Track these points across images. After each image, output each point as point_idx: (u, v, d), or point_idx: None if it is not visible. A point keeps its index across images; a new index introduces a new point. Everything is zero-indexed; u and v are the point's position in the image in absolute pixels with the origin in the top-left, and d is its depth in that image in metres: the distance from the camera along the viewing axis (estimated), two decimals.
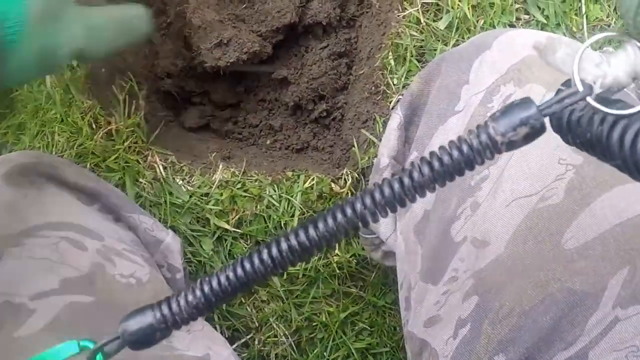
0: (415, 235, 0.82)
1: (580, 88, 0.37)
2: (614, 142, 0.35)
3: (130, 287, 0.85)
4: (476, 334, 0.72)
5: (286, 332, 1.20)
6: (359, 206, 0.40)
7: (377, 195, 0.39)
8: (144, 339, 0.44)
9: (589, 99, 0.37)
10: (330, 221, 0.40)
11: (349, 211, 0.40)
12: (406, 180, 0.39)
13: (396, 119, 0.93)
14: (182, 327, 0.44)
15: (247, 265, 0.42)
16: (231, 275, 0.42)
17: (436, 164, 0.38)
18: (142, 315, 0.44)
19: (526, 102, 0.37)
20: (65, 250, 0.81)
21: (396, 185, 0.39)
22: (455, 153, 0.38)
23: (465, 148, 0.38)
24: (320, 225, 0.41)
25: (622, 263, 0.66)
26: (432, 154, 0.39)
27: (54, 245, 0.80)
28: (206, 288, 0.43)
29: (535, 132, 0.37)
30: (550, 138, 0.72)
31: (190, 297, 0.43)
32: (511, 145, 0.37)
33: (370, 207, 0.39)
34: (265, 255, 0.42)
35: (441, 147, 0.39)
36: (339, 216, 0.40)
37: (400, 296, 0.88)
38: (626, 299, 0.65)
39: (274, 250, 0.42)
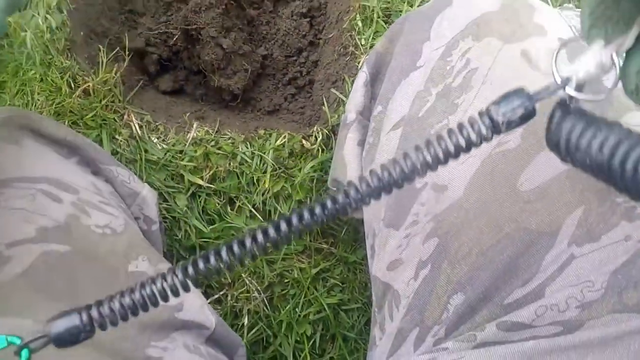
0: None
1: (559, 80, 0.42)
2: (615, 169, 0.39)
3: (105, 237, 0.86)
4: (436, 275, 0.75)
5: (259, 288, 1.21)
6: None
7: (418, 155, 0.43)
8: (69, 339, 0.45)
9: (568, 88, 0.42)
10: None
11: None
12: (421, 156, 0.43)
13: (362, 77, 0.96)
14: (107, 328, 0.46)
15: (178, 276, 0.45)
16: (159, 284, 0.45)
17: (449, 144, 0.42)
18: (68, 317, 0.45)
19: (520, 90, 0.42)
20: (41, 202, 0.82)
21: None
22: (465, 134, 0.42)
23: (472, 130, 0.42)
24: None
25: (577, 203, 0.68)
26: (443, 135, 0.43)
27: (31, 196, 0.81)
28: (127, 299, 0.45)
29: (529, 113, 0.42)
30: (505, 84, 0.75)
31: (112, 304, 0.45)
32: (510, 125, 0.42)
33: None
34: (190, 269, 0.44)
35: (449, 130, 0.43)
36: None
37: (366, 245, 0.90)
38: (581, 237, 0.67)
39: (201, 264, 0.44)
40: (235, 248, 0.44)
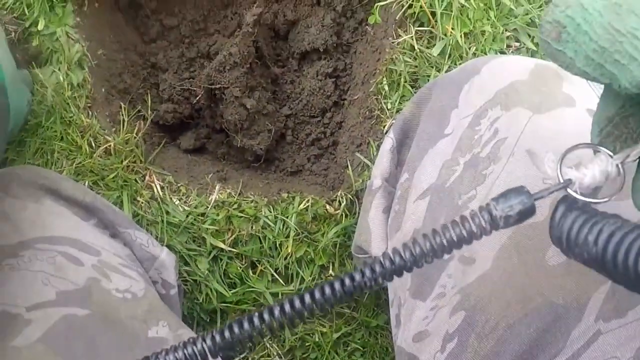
0: None
1: (561, 180, 0.44)
2: (608, 261, 0.40)
3: (126, 302, 0.85)
4: (463, 348, 0.74)
5: (280, 352, 1.20)
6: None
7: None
8: None
9: (569, 190, 0.44)
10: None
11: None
12: (428, 243, 0.45)
13: (389, 142, 0.95)
14: None
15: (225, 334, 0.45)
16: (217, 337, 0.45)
17: (447, 235, 0.44)
18: None
19: (520, 188, 0.44)
20: (62, 265, 0.82)
21: (407, 253, 0.45)
22: (459, 229, 0.44)
23: (468, 225, 0.44)
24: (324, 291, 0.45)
25: (604, 279, 0.67)
26: (443, 226, 0.45)
27: (51, 259, 0.81)
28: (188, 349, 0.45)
29: (527, 210, 0.44)
30: (534, 155, 0.74)
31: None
32: (507, 220, 0.44)
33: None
34: (226, 332, 0.45)
35: (453, 221, 0.45)
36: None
37: (391, 313, 0.89)
38: (608, 312, 0.66)
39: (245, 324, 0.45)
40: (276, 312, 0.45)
